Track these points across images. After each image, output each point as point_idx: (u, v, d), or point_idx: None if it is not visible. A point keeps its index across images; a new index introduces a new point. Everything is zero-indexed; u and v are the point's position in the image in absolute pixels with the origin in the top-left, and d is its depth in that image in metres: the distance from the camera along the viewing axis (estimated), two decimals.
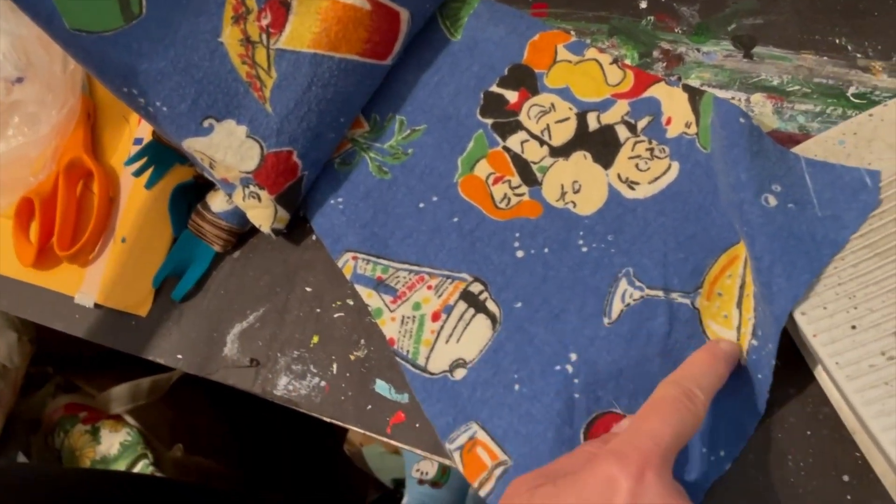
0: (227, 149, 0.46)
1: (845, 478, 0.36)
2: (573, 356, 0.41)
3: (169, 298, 0.52)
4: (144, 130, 0.57)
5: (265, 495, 0.93)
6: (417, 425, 0.43)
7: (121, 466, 0.75)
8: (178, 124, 0.45)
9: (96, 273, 0.55)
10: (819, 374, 0.37)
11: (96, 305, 0.54)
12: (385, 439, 0.44)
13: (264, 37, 0.45)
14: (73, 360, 0.85)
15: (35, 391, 0.81)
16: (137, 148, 0.56)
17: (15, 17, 0.55)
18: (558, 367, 0.41)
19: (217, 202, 0.50)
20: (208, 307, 0.51)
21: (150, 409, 0.82)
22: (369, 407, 0.45)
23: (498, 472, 0.39)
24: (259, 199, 0.46)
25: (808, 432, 0.37)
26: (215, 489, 0.73)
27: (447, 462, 0.42)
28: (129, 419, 0.79)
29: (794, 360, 0.38)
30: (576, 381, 0.40)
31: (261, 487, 0.95)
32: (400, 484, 0.87)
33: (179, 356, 0.50)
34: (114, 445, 0.76)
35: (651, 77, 0.46)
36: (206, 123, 0.45)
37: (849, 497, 0.35)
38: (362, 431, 0.45)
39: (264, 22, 0.45)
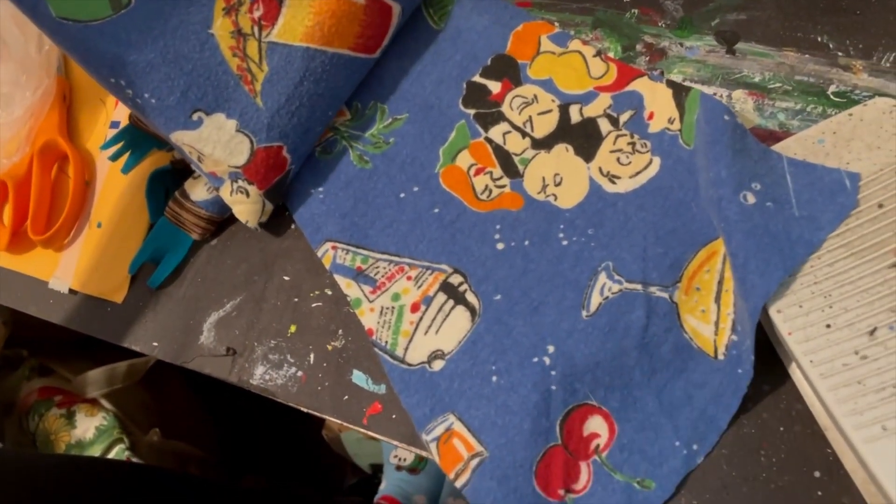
0: (217, 143, 0.45)
1: (816, 473, 0.36)
2: (551, 348, 0.41)
3: (145, 285, 0.51)
4: (121, 114, 0.56)
5: (243, 480, 0.93)
6: (394, 416, 0.43)
7: (96, 451, 0.74)
8: (167, 117, 0.44)
9: (71, 258, 0.54)
10: (793, 371, 0.37)
11: (71, 291, 0.53)
12: (361, 430, 0.44)
13: (256, 29, 0.44)
14: (49, 344, 0.84)
15: (9, 374, 0.80)
16: (114, 132, 0.55)
17: None
18: (536, 360, 0.41)
19: (197, 191, 0.49)
20: (185, 295, 0.50)
21: (127, 394, 0.82)
22: (346, 397, 0.44)
23: (474, 463, 0.39)
24: (247, 195, 0.46)
25: (781, 428, 0.37)
26: (192, 475, 0.73)
27: (424, 453, 0.42)
28: (105, 403, 0.79)
29: (768, 357, 0.38)
30: (553, 373, 0.40)
31: (239, 472, 0.95)
32: (378, 469, 0.87)
33: (155, 344, 0.50)
34: (89, 430, 0.76)
35: (634, 71, 0.46)
36: (195, 116, 0.44)
37: (820, 493, 0.36)
38: (338, 422, 0.44)
39: (256, 14, 0.44)
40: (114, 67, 0.42)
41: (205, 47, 0.43)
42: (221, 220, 0.50)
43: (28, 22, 0.48)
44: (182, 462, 0.83)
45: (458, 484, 0.39)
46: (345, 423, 0.44)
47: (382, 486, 0.79)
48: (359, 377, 0.45)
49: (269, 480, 0.97)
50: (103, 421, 0.77)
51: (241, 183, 0.46)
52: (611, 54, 0.47)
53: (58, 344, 0.84)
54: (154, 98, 0.43)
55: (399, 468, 0.79)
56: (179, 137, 0.45)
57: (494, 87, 0.48)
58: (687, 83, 0.45)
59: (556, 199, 0.45)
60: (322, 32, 0.45)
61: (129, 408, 0.80)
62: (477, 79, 0.49)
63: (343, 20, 0.45)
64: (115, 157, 0.53)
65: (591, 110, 0.46)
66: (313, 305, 0.47)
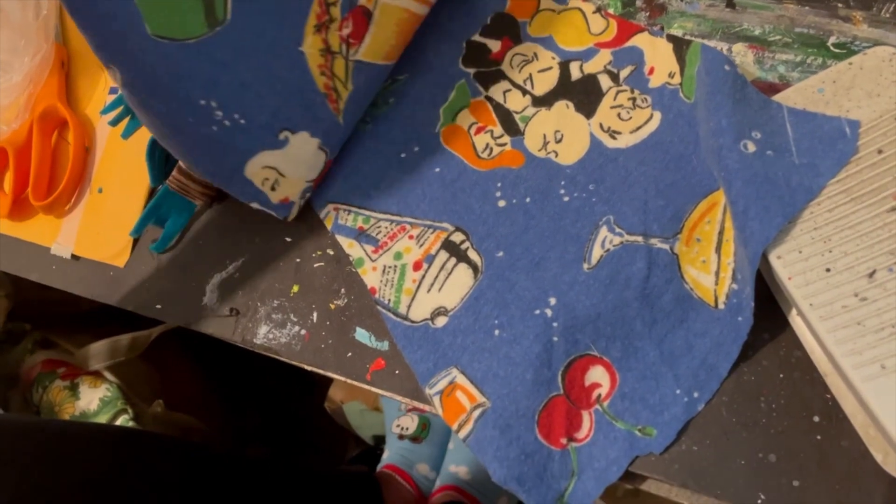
0: (300, 162, 0.45)
1: (816, 418, 0.36)
2: (552, 300, 0.41)
3: (147, 249, 0.51)
4: None
5: (245, 452, 0.94)
6: (397, 372, 0.44)
7: (100, 422, 0.75)
8: (255, 137, 0.43)
9: (73, 224, 0.54)
10: (793, 318, 0.37)
11: (73, 256, 0.53)
12: (365, 386, 0.44)
13: (344, 47, 0.43)
14: (51, 318, 0.84)
15: (12, 347, 0.81)
16: (113, 97, 0.55)
17: None
18: (538, 312, 0.41)
19: None
20: (187, 257, 0.50)
21: (130, 366, 0.82)
22: (349, 354, 0.45)
23: (476, 413, 0.40)
24: (304, 201, 0.47)
25: (781, 375, 0.37)
26: (196, 443, 0.73)
27: (426, 407, 0.43)
28: (108, 375, 0.79)
29: (768, 306, 0.38)
30: (555, 324, 0.40)
31: (241, 445, 0.96)
32: (380, 440, 0.88)
33: (158, 306, 0.50)
34: (93, 401, 0.76)
35: (634, 26, 0.46)
36: (282, 136, 0.43)
37: (819, 437, 0.36)
38: (342, 378, 0.45)
39: (345, 32, 0.42)
40: (207, 88, 0.40)
41: (295, 66, 0.42)
42: None
43: None
44: (185, 433, 0.84)
45: (462, 434, 0.40)
46: (349, 380, 0.45)
47: (385, 456, 0.80)
48: (362, 334, 0.45)
49: (272, 452, 0.97)
50: (107, 392, 0.77)
51: (306, 195, 0.47)
52: (611, 10, 0.47)
53: (60, 317, 0.85)
54: (244, 119, 0.42)
55: (401, 437, 0.80)
56: (264, 159, 0.44)
57: (494, 45, 0.48)
58: (687, 38, 0.44)
59: (556, 155, 0.45)
60: (399, 51, 0.45)
61: (132, 380, 0.80)
62: (477, 38, 0.49)
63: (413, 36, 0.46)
64: (115, 122, 0.53)
65: (592, 66, 0.46)
66: (315, 266, 0.47)
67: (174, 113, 0.40)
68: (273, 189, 0.45)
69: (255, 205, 0.46)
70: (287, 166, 0.45)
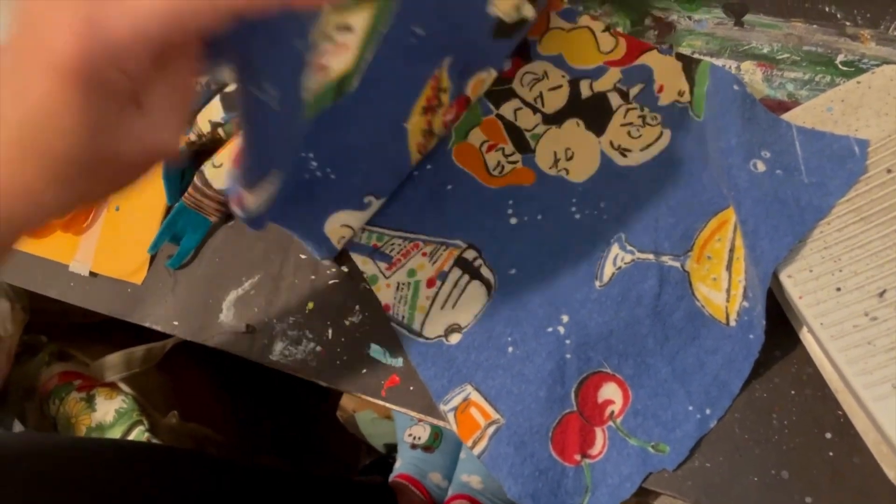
0: (366, 220, 0.47)
1: (828, 435, 0.37)
2: (565, 318, 0.41)
3: (163, 266, 0.52)
4: None
5: (258, 461, 0.95)
6: (411, 388, 0.44)
7: (116, 433, 0.76)
8: (341, 195, 0.44)
9: (91, 241, 0.55)
10: (804, 335, 0.38)
11: (91, 273, 0.54)
12: (380, 402, 0.45)
13: (443, 131, 0.46)
14: (67, 330, 0.85)
15: (29, 359, 0.82)
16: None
17: None
18: (550, 329, 0.41)
19: (219, 180, 0.49)
20: (203, 274, 0.51)
21: (145, 377, 0.83)
22: (364, 371, 0.45)
23: (491, 430, 0.40)
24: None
25: (792, 392, 0.38)
26: (211, 455, 0.74)
27: (440, 423, 0.43)
28: (123, 387, 0.80)
29: (779, 323, 0.39)
30: (567, 341, 0.41)
31: (254, 454, 0.96)
32: (392, 449, 0.88)
33: (175, 323, 0.51)
34: (109, 412, 0.77)
35: (643, 45, 0.46)
36: (366, 199, 0.45)
37: (831, 453, 0.36)
38: (358, 395, 0.45)
39: (448, 118, 0.45)
40: (313, 145, 0.42)
41: (396, 138, 0.44)
42: None
43: None
44: (199, 444, 0.85)
45: (476, 451, 0.40)
46: (364, 396, 0.45)
47: (398, 465, 0.80)
48: (376, 351, 0.46)
49: (285, 462, 0.98)
50: (122, 404, 0.78)
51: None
52: (620, 29, 0.47)
53: (76, 329, 0.86)
54: (337, 175, 0.43)
55: (414, 447, 0.80)
56: (344, 218, 0.45)
57: (505, 64, 0.49)
58: (696, 56, 0.45)
59: (567, 173, 0.45)
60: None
61: (147, 391, 0.81)
62: None
63: None
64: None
65: (601, 85, 0.46)
66: (330, 282, 0.48)
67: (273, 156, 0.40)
68: (338, 243, 0.46)
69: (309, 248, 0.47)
70: (358, 225, 0.46)
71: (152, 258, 0.53)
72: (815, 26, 0.44)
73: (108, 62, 0.27)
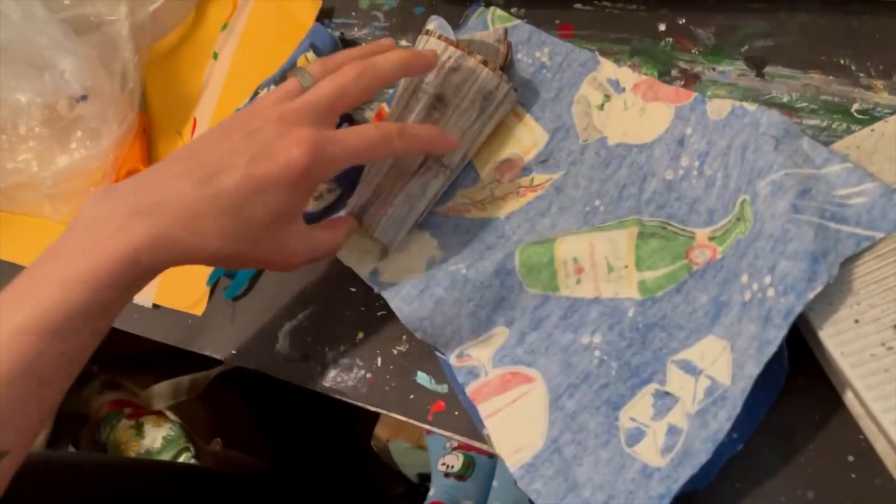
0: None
1: (850, 458, 0.39)
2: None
3: (222, 298, 0.56)
4: None
5: (294, 488, 0.97)
6: (456, 413, 0.47)
7: (164, 459, 0.79)
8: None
9: None
10: (825, 363, 0.41)
11: (154, 305, 0.58)
12: (426, 426, 0.48)
13: None
14: (116, 360, 0.89)
15: (82, 388, 0.86)
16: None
17: (79, 38, 0.59)
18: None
19: None
20: (260, 306, 0.55)
21: (189, 406, 0.87)
22: (412, 396, 0.49)
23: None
24: None
25: (817, 417, 0.41)
26: (253, 479, 0.77)
27: (484, 446, 0.46)
28: (170, 415, 0.84)
29: (802, 353, 0.41)
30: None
31: (291, 482, 0.99)
32: (425, 478, 0.91)
33: (234, 352, 0.54)
34: (157, 439, 0.81)
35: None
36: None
37: (853, 475, 0.39)
38: (405, 419, 0.49)
39: None
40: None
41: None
42: None
43: (114, 62, 0.54)
44: (240, 471, 0.88)
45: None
46: (411, 421, 0.48)
47: (431, 493, 0.83)
48: (423, 378, 0.49)
49: (317, 489, 1.01)
50: (170, 431, 0.82)
51: None
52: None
53: (125, 359, 0.90)
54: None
55: (447, 475, 0.83)
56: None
57: None
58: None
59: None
60: None
61: (192, 419, 0.85)
62: None
63: None
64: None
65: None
66: (378, 314, 0.51)
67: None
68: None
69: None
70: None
71: (212, 290, 0.57)
72: (831, 77, 0.47)
73: (322, 171, 0.42)
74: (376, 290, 0.49)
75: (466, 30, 0.56)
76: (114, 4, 0.60)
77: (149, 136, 0.63)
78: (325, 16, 0.62)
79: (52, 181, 0.60)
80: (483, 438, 0.46)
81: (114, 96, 0.60)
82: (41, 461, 0.56)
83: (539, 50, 0.54)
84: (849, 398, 0.40)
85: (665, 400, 0.42)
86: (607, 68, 0.52)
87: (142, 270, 0.39)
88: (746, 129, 0.43)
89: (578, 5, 0.55)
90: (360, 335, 0.51)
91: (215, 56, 0.65)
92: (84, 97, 0.59)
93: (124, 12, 0.60)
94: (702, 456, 0.39)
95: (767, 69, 0.49)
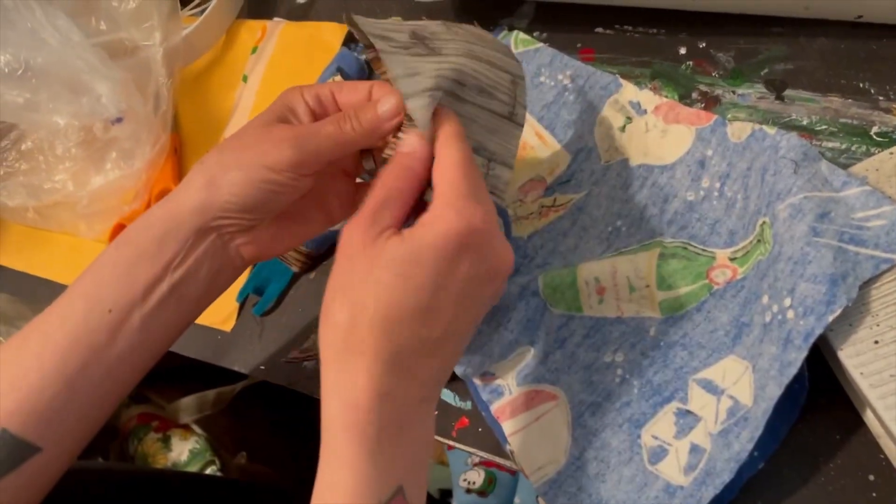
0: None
1: (871, 477, 0.40)
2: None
3: (251, 314, 0.58)
4: None
5: None
6: (480, 430, 0.48)
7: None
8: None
9: None
10: (846, 384, 0.41)
11: None
12: (451, 442, 0.49)
13: None
14: None
15: None
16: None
17: (115, 62, 0.62)
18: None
19: None
20: (287, 322, 0.56)
21: (215, 420, 0.88)
22: (436, 413, 0.49)
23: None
24: None
25: (837, 436, 0.41)
26: (277, 491, 0.78)
27: (506, 462, 0.47)
28: (196, 428, 0.85)
29: (823, 372, 0.42)
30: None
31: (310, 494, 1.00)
32: (446, 494, 0.91)
33: (262, 367, 0.56)
34: (184, 452, 0.82)
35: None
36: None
37: (874, 494, 0.39)
38: None
39: None
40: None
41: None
42: (319, 254, 0.57)
43: (147, 86, 0.56)
44: (264, 482, 0.89)
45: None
46: (436, 437, 0.49)
47: None
48: (447, 395, 0.50)
49: None
50: (196, 444, 0.83)
51: None
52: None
53: (152, 373, 0.91)
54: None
55: (469, 491, 0.83)
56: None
57: None
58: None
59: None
60: None
61: (217, 432, 0.86)
62: None
63: None
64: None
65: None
66: None
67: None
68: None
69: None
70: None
71: (240, 308, 0.58)
72: (850, 100, 0.48)
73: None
74: None
75: None
76: (148, 30, 0.63)
77: (180, 156, 0.65)
78: (351, 40, 0.63)
79: (88, 200, 0.62)
80: (506, 455, 0.47)
81: (147, 118, 0.62)
82: (71, 469, 0.58)
83: (561, 73, 0.55)
84: (869, 418, 0.40)
85: (687, 419, 0.43)
86: (629, 91, 0.53)
87: None
88: (766, 152, 0.44)
89: (600, 29, 0.56)
90: None
91: (245, 79, 0.67)
92: (119, 119, 0.61)
93: (158, 38, 0.62)
94: (725, 476, 0.39)
95: (787, 92, 0.50)
